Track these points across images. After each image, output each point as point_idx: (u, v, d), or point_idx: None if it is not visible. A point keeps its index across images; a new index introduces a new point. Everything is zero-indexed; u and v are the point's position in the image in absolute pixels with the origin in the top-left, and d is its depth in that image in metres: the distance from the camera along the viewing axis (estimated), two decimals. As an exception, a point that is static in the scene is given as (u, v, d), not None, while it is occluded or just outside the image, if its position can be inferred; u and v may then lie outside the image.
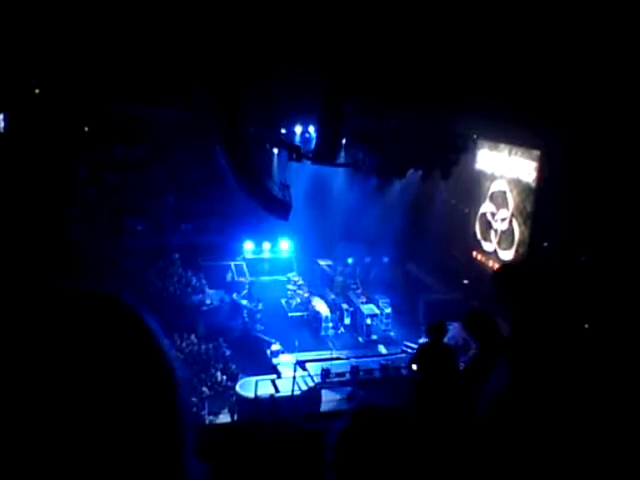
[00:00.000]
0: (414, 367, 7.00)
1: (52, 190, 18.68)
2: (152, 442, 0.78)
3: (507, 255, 16.81)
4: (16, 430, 0.71)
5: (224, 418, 13.88)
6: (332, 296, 18.65)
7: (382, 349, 16.27)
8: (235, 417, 13.71)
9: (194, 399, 13.63)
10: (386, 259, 20.07)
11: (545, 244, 15.38)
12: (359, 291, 18.77)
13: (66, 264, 18.47)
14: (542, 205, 15.55)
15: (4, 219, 16.43)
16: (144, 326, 0.83)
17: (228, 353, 16.01)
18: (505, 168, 17.13)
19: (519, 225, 16.50)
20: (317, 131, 18.94)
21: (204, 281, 19.68)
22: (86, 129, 20.32)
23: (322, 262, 20.56)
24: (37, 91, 18.07)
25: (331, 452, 1.70)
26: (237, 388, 14.05)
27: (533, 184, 15.92)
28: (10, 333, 0.74)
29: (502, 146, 17.16)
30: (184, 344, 16.04)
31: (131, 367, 0.77)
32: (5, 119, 18.47)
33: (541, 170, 15.57)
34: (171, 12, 13.89)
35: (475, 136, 18.35)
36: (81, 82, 16.29)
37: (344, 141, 18.50)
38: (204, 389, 14.26)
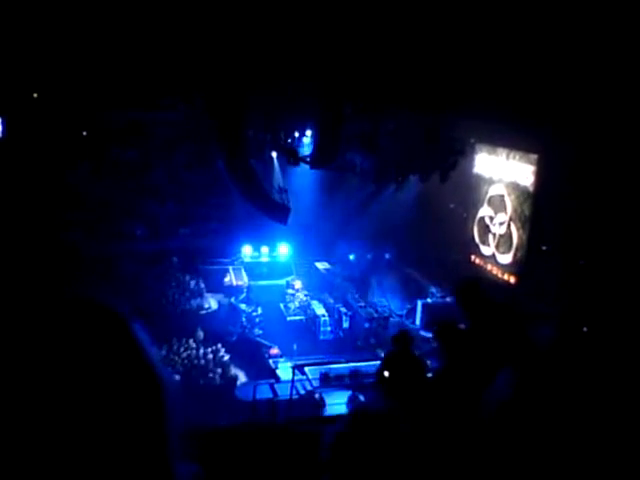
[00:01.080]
0: (385, 374, 7.01)
1: (50, 194, 18.68)
2: (139, 446, 0.78)
3: (505, 259, 16.84)
4: (10, 428, 0.71)
5: (222, 422, 13.82)
6: (331, 300, 18.64)
7: (381, 353, 16.24)
8: (233, 421, 13.65)
9: (190, 403, 13.59)
10: (388, 255, 20.14)
11: (544, 248, 15.41)
12: (357, 295, 18.77)
13: (64, 268, 18.46)
14: (540, 209, 15.59)
15: (1, 223, 16.41)
16: (130, 334, 0.83)
17: (226, 357, 15.98)
18: (503, 172, 17.16)
19: (517, 229, 16.53)
20: (315, 135, 18.97)
21: (202, 285, 19.66)
22: (84, 133, 20.30)
23: (320, 265, 20.57)
24: (35, 95, 18.04)
25: (328, 453, 1.71)
26: (235, 392, 14.03)
27: (531, 188, 15.96)
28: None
29: (500, 150, 17.21)
30: (182, 349, 16.02)
31: (116, 374, 0.77)
32: (3, 123, 18.44)
33: (539, 174, 15.61)
34: (170, 16, 13.91)
35: (473, 140, 18.40)
36: (80, 87, 16.28)
37: (341, 145, 18.51)
38: (202, 393, 14.22)
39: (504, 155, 17.08)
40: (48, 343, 0.77)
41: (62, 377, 0.76)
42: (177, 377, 13.28)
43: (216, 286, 19.72)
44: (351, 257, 20.32)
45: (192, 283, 19.68)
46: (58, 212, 19.01)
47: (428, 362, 8.45)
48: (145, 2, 13.50)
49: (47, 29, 14.07)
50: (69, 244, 18.78)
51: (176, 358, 15.33)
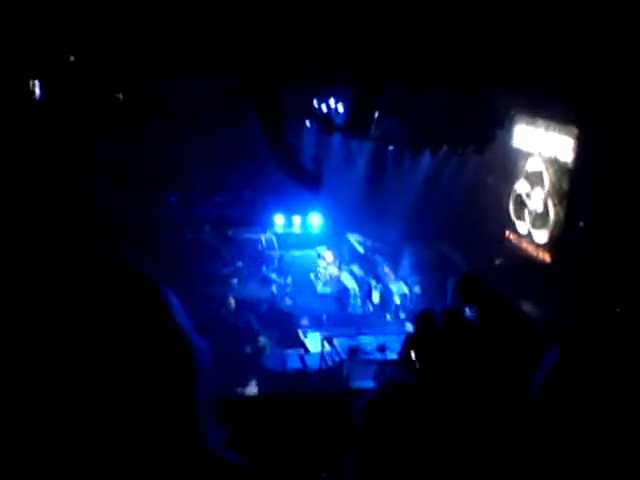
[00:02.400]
0: (411, 355, 6.98)
1: (84, 159, 18.92)
2: (169, 411, 0.79)
3: (541, 236, 16.47)
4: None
5: (251, 390, 14.08)
6: (361, 273, 18.61)
7: (410, 328, 16.22)
8: (262, 389, 13.89)
9: (221, 371, 13.83)
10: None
11: (581, 224, 15.01)
12: (388, 269, 18.67)
13: (96, 234, 18.83)
14: (579, 184, 15.14)
15: (37, 186, 16.70)
16: (161, 298, 0.83)
17: (256, 326, 16.18)
18: (542, 146, 16.65)
19: (554, 205, 16.11)
20: (349, 103, 18.66)
21: (234, 254, 19.83)
22: (120, 98, 20.39)
23: (352, 238, 20.48)
24: (72, 59, 18.10)
25: (358, 423, 1.71)
26: (264, 361, 14.22)
27: (570, 163, 15.45)
28: (33, 304, 0.75)
29: (539, 122, 16.64)
30: (214, 316, 16.27)
31: (146, 338, 0.77)
32: (40, 87, 18.60)
33: (579, 148, 15.09)
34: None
35: (512, 111, 17.84)
36: (117, 51, 16.27)
37: (376, 114, 18.21)
38: (232, 361, 14.45)
39: (543, 127, 16.53)
40: (79, 307, 0.77)
41: (91, 341, 0.77)
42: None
43: (248, 255, 19.86)
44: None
45: (224, 251, 19.87)
46: (93, 176, 19.27)
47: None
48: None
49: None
50: (105, 209, 19.07)
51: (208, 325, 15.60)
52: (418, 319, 7.62)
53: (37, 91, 18.52)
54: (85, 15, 14.65)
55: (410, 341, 7.82)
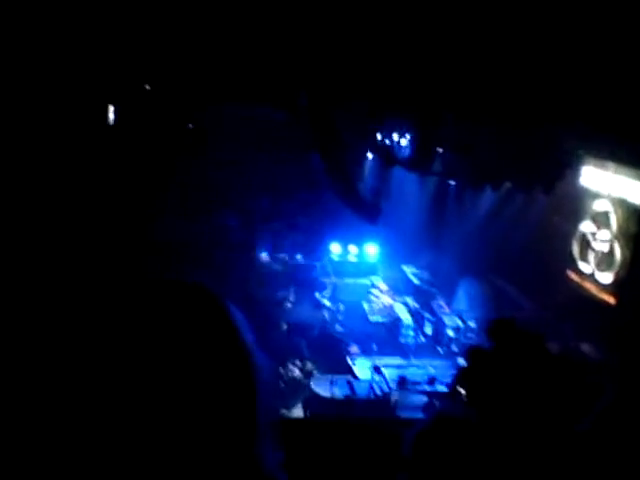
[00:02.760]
0: (461, 390, 6.82)
1: (153, 182, 19.65)
2: (230, 431, 0.78)
3: (606, 277, 15.87)
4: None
5: (297, 413, 13.98)
6: (415, 304, 18.37)
7: (462, 362, 15.82)
8: (308, 413, 13.76)
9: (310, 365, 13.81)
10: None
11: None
12: (443, 302, 18.38)
13: (161, 254, 19.37)
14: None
15: (107, 208, 17.39)
16: (228, 316, 0.83)
17: (306, 351, 16.14)
18: (610, 186, 16.20)
19: (621, 247, 15.54)
20: (413, 138, 18.78)
21: (289, 278, 19.98)
22: (190, 126, 21.22)
23: (407, 269, 20.33)
24: (147, 87, 19.00)
25: (409, 452, 1.69)
26: (312, 385, 14.13)
27: (639, 205, 14.96)
28: (103, 320, 0.76)
29: (609, 164, 16.24)
30: (267, 339, 16.35)
31: (212, 356, 0.77)
32: (115, 112, 19.54)
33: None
34: (277, 14, 14.24)
35: (581, 151, 17.49)
36: (189, 80, 17.01)
37: (439, 149, 18.23)
38: (280, 383, 14.44)
39: (612, 169, 16.12)
40: (145, 325, 0.78)
41: (157, 358, 0.78)
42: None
43: (302, 281, 19.96)
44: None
45: (279, 276, 20.06)
46: (159, 199, 19.94)
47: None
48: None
49: (164, 23, 14.83)
50: (167, 231, 19.65)
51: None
52: (469, 354, 7.44)
53: (112, 116, 19.53)
54: (162, 46, 15.46)
55: (460, 376, 7.66)
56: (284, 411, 14.13)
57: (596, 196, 16.70)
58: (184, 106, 19.30)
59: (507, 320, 6.36)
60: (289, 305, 18.74)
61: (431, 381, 13.93)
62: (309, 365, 15.60)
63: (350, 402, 13.24)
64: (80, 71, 14.92)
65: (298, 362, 15.62)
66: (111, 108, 19.50)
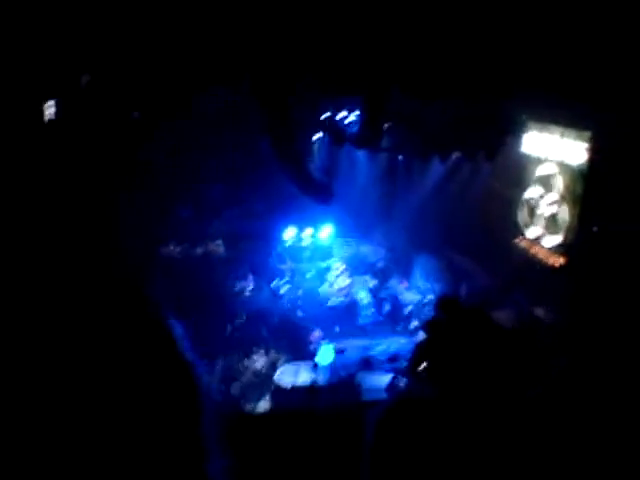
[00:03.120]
0: (421, 365, 6.90)
1: (100, 175, 19.10)
2: (173, 441, 0.74)
3: (554, 240, 16.24)
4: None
5: (264, 406, 14.00)
6: (373, 282, 18.50)
7: (423, 336, 16.06)
8: (274, 405, 13.80)
9: (234, 388, 13.81)
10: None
11: (594, 229, 14.78)
12: (400, 278, 18.57)
13: (112, 249, 18.94)
14: (592, 188, 14.92)
15: (52, 204, 16.88)
16: (165, 327, 0.80)
17: (268, 340, 16.12)
18: (554, 150, 16.49)
19: (567, 209, 15.90)
20: (360, 115, 18.67)
21: (246, 268, 19.84)
22: (135, 115, 20.62)
23: (363, 248, 20.43)
24: (88, 77, 18.32)
25: (370, 439, 1.66)
26: (276, 376, 14.14)
27: (583, 167, 15.26)
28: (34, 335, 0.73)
29: (552, 127, 16.48)
30: (227, 330, 16.26)
31: (152, 367, 0.74)
32: (57, 105, 18.83)
33: (592, 152, 14.90)
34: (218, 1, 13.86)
35: (524, 117, 17.71)
36: (130, 68, 16.45)
37: (386, 125, 18.21)
38: (243, 377, 14.41)
39: (557, 133, 16.37)
40: (77, 339, 0.74)
41: (91, 370, 0.72)
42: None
43: (259, 269, 19.86)
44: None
45: (236, 266, 19.89)
46: (108, 192, 19.43)
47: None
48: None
49: (98, 14, 14.25)
50: (115, 223, 19.21)
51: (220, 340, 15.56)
52: (427, 327, 7.55)
53: (52, 110, 18.81)
54: (98, 34, 14.88)
55: (419, 350, 7.74)
56: (251, 405, 14.15)
57: (541, 161, 16.99)
58: (128, 94, 18.68)
59: (450, 296, 6.57)
60: (248, 294, 18.65)
61: (393, 359, 14.10)
62: (273, 354, 15.60)
63: (315, 389, 13.31)
64: (11, 64, 14.32)
65: (262, 352, 15.61)
66: (51, 102, 18.82)
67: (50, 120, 18.75)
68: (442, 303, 6.53)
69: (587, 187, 15.13)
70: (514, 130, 17.42)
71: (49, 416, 0.71)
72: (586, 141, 15.14)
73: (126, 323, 0.82)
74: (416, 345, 8.63)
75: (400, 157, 19.91)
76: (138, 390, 0.78)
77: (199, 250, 20.75)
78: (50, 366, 0.72)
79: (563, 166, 16.02)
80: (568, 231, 15.82)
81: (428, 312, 17.03)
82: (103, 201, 18.97)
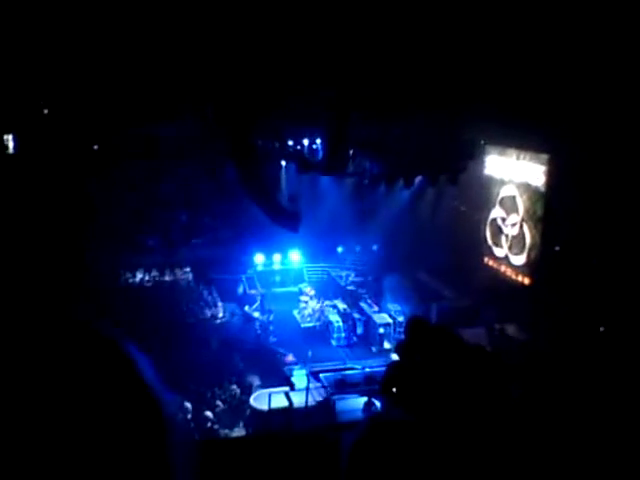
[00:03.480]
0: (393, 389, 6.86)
1: (61, 208, 18.83)
2: (141, 472, 0.76)
3: (519, 260, 16.72)
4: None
5: (239, 432, 13.82)
6: (344, 306, 18.61)
7: (396, 358, 16.16)
8: (250, 431, 13.65)
9: (209, 414, 13.60)
10: (375, 247, 20.86)
11: (557, 248, 15.28)
12: (370, 300, 18.72)
13: (75, 281, 18.59)
14: (552, 209, 15.49)
15: (13, 237, 16.55)
16: (125, 358, 0.79)
17: (241, 366, 15.98)
18: (514, 173, 17.08)
19: (530, 229, 16.42)
20: (325, 142, 18.97)
21: (216, 294, 19.71)
22: (95, 147, 20.50)
23: (333, 272, 20.58)
24: (46, 111, 18.23)
25: (345, 462, 1.69)
26: (251, 401, 14.01)
27: (543, 188, 15.85)
28: None
29: (510, 151, 17.12)
30: (198, 359, 16.03)
31: (111, 399, 0.74)
32: (14, 139, 18.64)
33: (550, 174, 15.51)
34: (177, 29, 14.01)
35: (483, 142, 18.32)
36: (89, 102, 16.43)
37: (351, 151, 18.52)
38: (218, 403, 14.22)
39: (514, 156, 17.01)
40: (32, 372, 0.74)
41: (48, 406, 0.74)
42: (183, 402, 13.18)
43: (229, 295, 19.76)
44: (339, 249, 20.98)
45: (205, 293, 19.76)
46: (69, 225, 19.14)
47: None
48: (151, 15, 13.60)
49: (55, 47, 14.24)
50: (80, 256, 18.90)
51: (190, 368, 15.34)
52: (398, 350, 7.46)
53: (11, 145, 18.55)
54: (58, 69, 14.83)
55: (390, 373, 7.67)
56: (226, 430, 13.95)
57: (502, 183, 17.56)
58: (87, 128, 18.57)
59: (419, 318, 6.55)
60: (218, 322, 18.50)
61: (368, 380, 14.14)
62: (247, 379, 15.46)
63: (291, 413, 13.25)
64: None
65: (235, 379, 15.44)
66: (9, 136, 18.56)
67: (8, 154, 18.48)
68: (411, 325, 6.54)
69: (547, 208, 15.71)
70: (474, 154, 17.99)
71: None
72: (544, 164, 15.76)
73: (81, 362, 0.78)
74: (387, 367, 8.57)
75: (366, 182, 20.24)
76: (98, 427, 0.75)
77: (167, 278, 20.56)
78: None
79: (523, 188, 16.59)
80: (531, 250, 16.32)
81: (400, 334, 17.22)
82: (67, 231, 18.69)
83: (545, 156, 15.72)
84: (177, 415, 0.89)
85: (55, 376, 0.75)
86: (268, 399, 13.44)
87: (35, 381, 0.74)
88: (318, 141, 20.26)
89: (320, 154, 19.89)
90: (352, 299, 18.98)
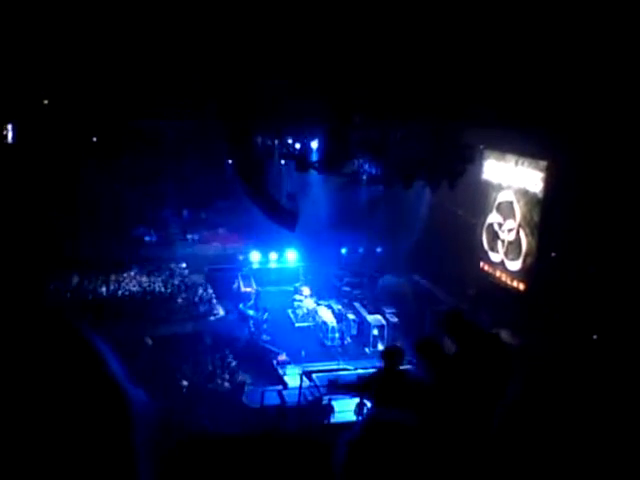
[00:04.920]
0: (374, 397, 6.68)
1: (59, 200, 18.79)
2: (104, 463, 0.74)
3: (514, 265, 16.75)
4: None
5: (230, 429, 13.81)
6: (338, 306, 18.63)
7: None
8: (241, 428, 13.64)
9: (201, 410, 13.59)
10: (379, 249, 20.81)
11: (553, 254, 15.32)
12: (365, 302, 18.75)
13: (71, 274, 18.56)
14: (549, 215, 15.51)
15: (9, 228, 16.49)
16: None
17: (234, 363, 15.98)
18: (512, 178, 17.11)
19: (526, 235, 16.45)
20: (324, 141, 18.98)
21: (211, 291, 19.70)
22: (94, 139, 20.44)
23: (328, 272, 20.59)
24: (45, 102, 18.16)
25: (340, 463, 1.67)
26: (243, 399, 14.01)
27: (540, 194, 15.88)
28: None
29: (509, 156, 17.15)
30: (191, 355, 16.03)
31: (72, 390, 0.73)
32: (13, 129, 18.57)
33: (548, 180, 15.54)
34: (181, 25, 13.99)
35: (482, 146, 18.35)
36: (90, 94, 16.38)
37: (350, 151, 18.53)
38: (210, 400, 14.21)
39: (513, 161, 17.03)
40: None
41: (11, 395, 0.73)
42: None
43: (224, 292, 19.75)
44: (343, 251, 20.93)
45: (200, 289, 19.74)
46: (67, 217, 19.11)
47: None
48: (156, 11, 13.58)
49: (58, 37, 14.20)
50: (78, 250, 18.87)
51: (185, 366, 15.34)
52: (384, 355, 7.15)
53: (10, 134, 18.48)
54: (59, 59, 14.79)
55: (374, 380, 7.40)
56: (219, 426, 13.93)
57: (499, 188, 17.60)
58: (86, 120, 18.52)
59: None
60: (212, 319, 18.48)
61: (361, 381, 14.13)
62: (240, 378, 15.46)
63: (283, 412, 13.25)
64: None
65: (227, 376, 15.44)
66: (9, 126, 18.49)
67: (7, 144, 18.41)
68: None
69: (543, 214, 15.75)
70: (472, 159, 18.02)
71: None
72: (542, 170, 15.80)
73: (45, 344, 0.77)
74: (371, 375, 8.28)
75: (364, 183, 20.26)
76: (60, 416, 0.74)
77: (163, 274, 20.51)
78: None
79: (521, 194, 16.63)
80: (527, 256, 16.35)
81: (393, 335, 17.26)
82: (60, 226, 18.64)
83: (543, 162, 15.76)
84: (143, 408, 0.88)
85: (17, 364, 0.75)
86: (261, 397, 13.45)
87: None
88: (316, 141, 20.26)
89: (319, 154, 19.89)
90: (347, 299, 19.01)
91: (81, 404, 0.78)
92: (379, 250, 21.01)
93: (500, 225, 17.53)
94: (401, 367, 6.50)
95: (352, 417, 12.22)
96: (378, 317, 17.52)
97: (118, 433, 0.80)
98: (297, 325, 18.34)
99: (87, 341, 0.83)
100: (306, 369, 14.88)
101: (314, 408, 13.50)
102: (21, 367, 0.76)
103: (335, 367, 15.51)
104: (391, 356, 6.62)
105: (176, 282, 20.09)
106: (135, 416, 0.83)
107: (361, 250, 21.32)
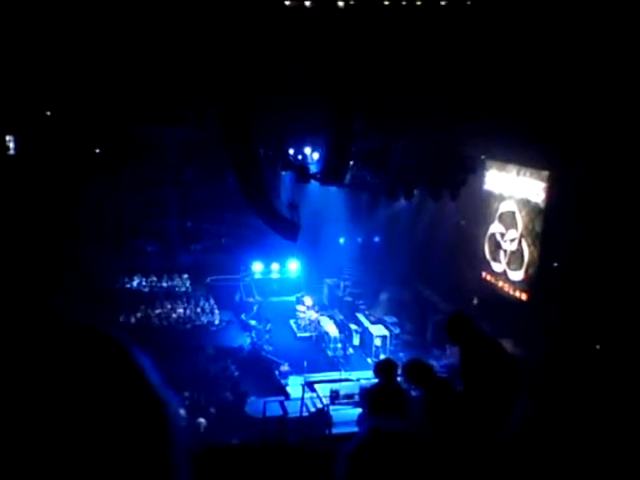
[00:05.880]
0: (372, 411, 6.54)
1: (61, 211, 18.83)
2: (144, 472, 0.75)
3: (517, 275, 16.73)
4: None
5: (232, 440, 13.75)
6: (341, 317, 18.60)
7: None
8: (243, 437, 13.58)
9: (202, 421, 13.55)
10: (377, 238, 21.17)
11: (555, 264, 15.31)
12: (368, 312, 18.71)
13: (75, 285, 18.54)
14: (551, 225, 15.52)
15: (13, 240, 16.53)
16: (129, 358, 0.79)
17: (236, 374, 15.95)
18: (514, 188, 17.13)
19: (528, 245, 16.45)
20: (325, 152, 19.02)
21: (212, 301, 19.70)
22: (97, 151, 20.53)
23: (331, 282, 20.56)
24: (48, 113, 18.25)
25: (340, 476, 1.67)
26: (245, 409, 13.97)
27: (542, 204, 15.89)
28: None
29: (510, 167, 17.18)
30: (193, 366, 16.00)
31: (116, 400, 0.73)
32: (15, 141, 18.64)
33: (550, 191, 15.55)
34: (181, 34, 14.09)
35: (483, 157, 18.39)
36: (92, 104, 16.46)
37: (352, 162, 18.57)
38: (212, 410, 14.17)
39: (514, 172, 17.06)
40: (39, 372, 0.74)
41: (57, 406, 0.73)
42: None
43: (226, 302, 19.75)
44: (341, 240, 21.04)
45: (202, 299, 19.74)
46: (69, 228, 19.15)
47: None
48: (154, 19, 13.69)
49: (59, 48, 14.31)
50: (80, 260, 18.89)
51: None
52: (379, 369, 6.99)
53: (12, 145, 18.55)
54: (62, 71, 14.89)
55: (370, 395, 7.30)
56: (220, 437, 13.87)
57: (501, 198, 17.62)
58: (88, 130, 18.60)
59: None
60: (214, 329, 18.48)
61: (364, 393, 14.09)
62: (242, 388, 15.41)
63: (285, 423, 13.20)
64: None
65: (229, 386, 15.40)
66: (10, 137, 18.56)
67: (9, 156, 18.48)
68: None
69: (546, 224, 15.76)
70: (474, 169, 18.06)
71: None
72: (544, 180, 15.83)
73: (87, 356, 0.78)
74: (367, 390, 8.12)
75: (365, 193, 20.32)
76: (102, 429, 0.74)
77: (165, 284, 20.54)
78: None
79: (523, 204, 16.65)
80: (529, 267, 16.34)
81: (395, 345, 17.22)
82: (62, 236, 18.67)
83: (545, 173, 15.78)
84: (180, 420, 0.89)
85: (59, 376, 0.75)
86: (263, 408, 13.40)
87: (40, 382, 0.74)
88: (318, 151, 20.30)
89: (320, 164, 19.93)
90: (349, 310, 18.98)
91: (122, 416, 0.78)
92: (377, 240, 21.05)
93: (502, 235, 17.53)
94: (398, 379, 6.41)
95: (354, 428, 12.17)
96: (380, 327, 17.49)
97: (160, 445, 0.81)
98: (299, 335, 18.31)
99: (127, 350, 0.84)
100: (308, 379, 14.84)
101: (316, 419, 13.46)
102: (63, 380, 0.77)
103: (337, 377, 15.46)
104: (386, 371, 6.53)
105: (178, 292, 20.11)
106: (173, 423, 0.84)
107: (359, 240, 21.34)
